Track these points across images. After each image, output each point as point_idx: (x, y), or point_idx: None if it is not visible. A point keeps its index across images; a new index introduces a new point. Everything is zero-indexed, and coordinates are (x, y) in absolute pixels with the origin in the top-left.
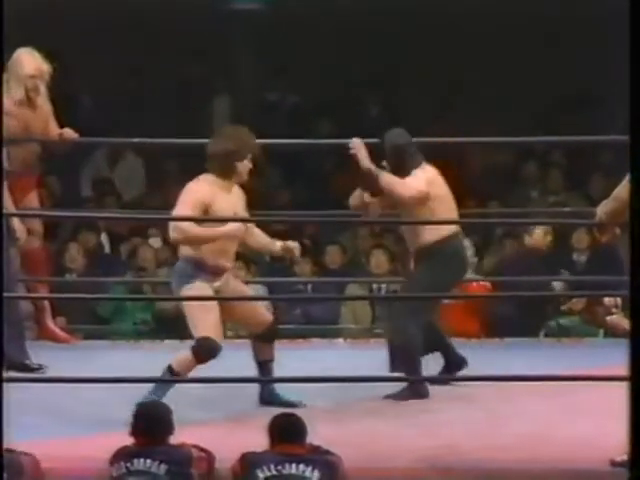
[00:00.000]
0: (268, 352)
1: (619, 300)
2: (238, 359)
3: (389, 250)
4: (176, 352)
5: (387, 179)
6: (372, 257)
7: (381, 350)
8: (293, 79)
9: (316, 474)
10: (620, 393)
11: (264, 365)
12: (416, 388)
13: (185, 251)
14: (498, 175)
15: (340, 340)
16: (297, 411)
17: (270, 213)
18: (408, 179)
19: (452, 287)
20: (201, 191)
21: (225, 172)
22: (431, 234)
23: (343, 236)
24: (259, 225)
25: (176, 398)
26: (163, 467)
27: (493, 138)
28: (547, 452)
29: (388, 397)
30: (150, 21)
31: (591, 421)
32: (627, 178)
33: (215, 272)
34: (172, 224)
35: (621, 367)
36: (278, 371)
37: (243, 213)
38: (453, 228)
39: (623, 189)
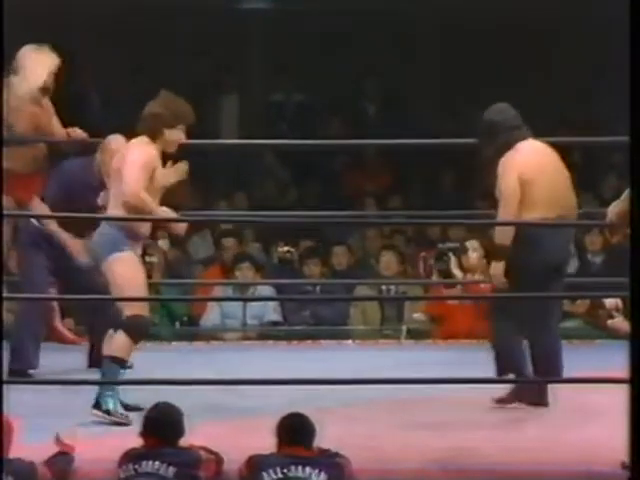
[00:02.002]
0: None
1: (620, 302)
2: (246, 360)
3: (399, 251)
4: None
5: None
6: (382, 258)
7: (390, 351)
8: (301, 78)
9: (322, 477)
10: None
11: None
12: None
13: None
14: None
15: (349, 341)
16: (306, 412)
17: (278, 214)
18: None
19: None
20: (150, 154)
21: (151, 135)
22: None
23: (351, 237)
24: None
25: (187, 400)
26: (171, 469)
27: None
28: (557, 455)
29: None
30: (159, 20)
31: (600, 423)
32: None
33: (139, 240)
34: (127, 186)
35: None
36: (288, 373)
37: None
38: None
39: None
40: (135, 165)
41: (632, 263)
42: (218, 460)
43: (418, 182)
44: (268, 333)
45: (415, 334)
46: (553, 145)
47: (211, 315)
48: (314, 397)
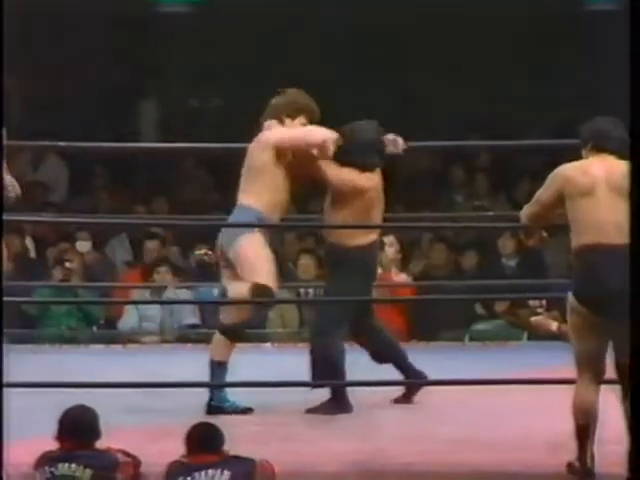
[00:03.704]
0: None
1: (544, 302)
2: (164, 363)
3: (317, 254)
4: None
5: None
6: (300, 261)
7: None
8: (220, 82)
9: (226, 474)
10: (547, 395)
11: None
12: (338, 402)
13: (247, 201)
14: (425, 179)
15: (268, 344)
16: (223, 416)
17: (199, 217)
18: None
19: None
20: None
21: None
22: None
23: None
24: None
25: (105, 403)
26: (88, 472)
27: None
28: (476, 455)
29: (310, 411)
30: (78, 23)
31: (519, 423)
32: (547, 182)
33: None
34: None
35: (546, 370)
36: (206, 376)
37: None
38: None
39: (544, 192)
40: None
41: (632, 263)
42: (135, 463)
43: None
44: (186, 336)
45: None
46: (462, 149)
47: (129, 318)
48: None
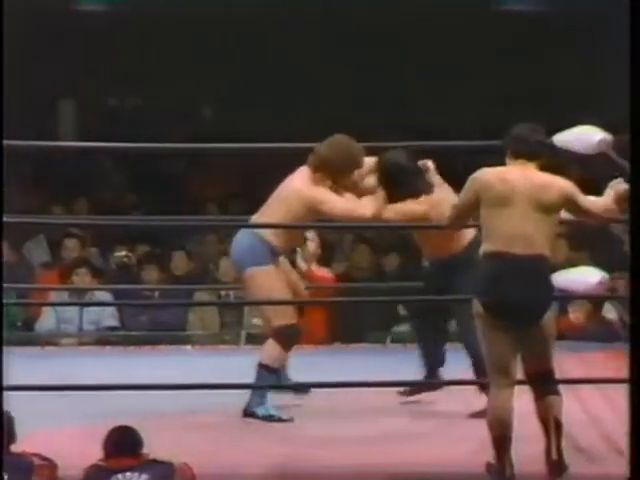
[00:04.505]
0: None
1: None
2: (82, 365)
3: None
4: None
5: None
6: (221, 263)
7: (230, 356)
8: (138, 81)
9: (144, 477)
10: (463, 397)
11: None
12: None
13: (265, 235)
14: None
15: (188, 347)
16: (145, 418)
17: (114, 218)
18: None
19: None
20: None
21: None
22: None
23: (190, 242)
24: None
25: (22, 406)
26: (3, 476)
27: None
28: (395, 456)
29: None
30: None
31: (435, 424)
32: (466, 186)
33: (278, 255)
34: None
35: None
36: (125, 378)
37: None
38: None
39: (462, 196)
40: None
41: (632, 264)
42: (51, 466)
43: (261, 186)
44: (105, 338)
45: (255, 339)
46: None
47: (46, 320)
48: (152, 403)
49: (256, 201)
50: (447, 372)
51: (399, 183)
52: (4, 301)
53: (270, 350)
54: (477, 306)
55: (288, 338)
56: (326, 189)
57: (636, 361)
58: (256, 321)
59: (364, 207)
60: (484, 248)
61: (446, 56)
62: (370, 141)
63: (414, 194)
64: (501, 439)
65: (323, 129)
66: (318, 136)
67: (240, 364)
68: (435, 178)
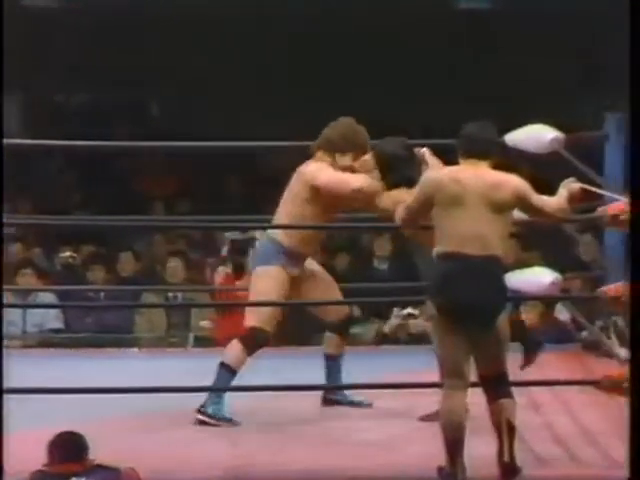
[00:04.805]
0: (337, 346)
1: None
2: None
3: (186, 257)
4: None
5: None
6: (168, 264)
7: (177, 359)
8: (86, 78)
9: None
10: (417, 399)
11: (330, 359)
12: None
13: (276, 235)
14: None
15: (135, 349)
16: (91, 423)
17: (59, 217)
18: None
19: None
20: None
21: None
22: None
23: (137, 243)
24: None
25: None
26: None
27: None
28: (341, 461)
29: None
30: None
31: (390, 428)
32: (418, 186)
33: (296, 258)
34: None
35: (424, 373)
36: (70, 381)
37: None
38: None
39: (415, 197)
40: None
41: (632, 264)
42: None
43: (206, 186)
44: (49, 341)
45: (202, 342)
46: None
47: None
48: (98, 407)
49: (203, 200)
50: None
51: (392, 171)
52: None
53: (234, 350)
54: (431, 308)
55: (253, 342)
56: (327, 165)
57: (636, 362)
58: (204, 323)
59: (359, 180)
60: (437, 249)
61: (406, 55)
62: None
63: (406, 183)
64: (454, 442)
65: (270, 126)
66: (266, 135)
67: (187, 367)
68: (434, 162)
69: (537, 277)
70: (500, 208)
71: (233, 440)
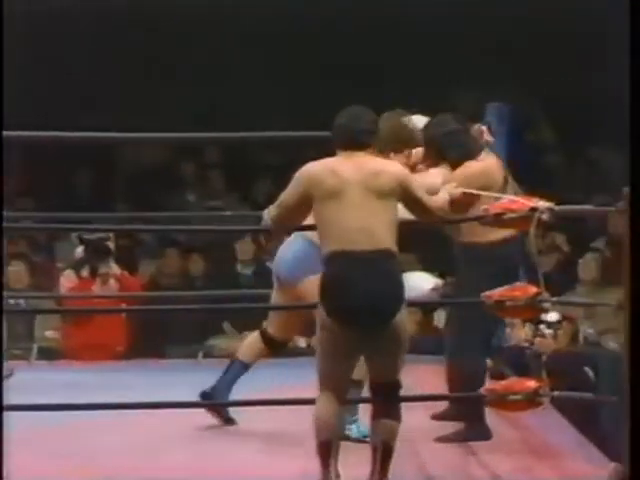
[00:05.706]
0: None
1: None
2: None
3: (29, 261)
4: None
5: None
6: (10, 267)
7: (18, 372)
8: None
9: None
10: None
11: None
12: (477, 429)
13: (313, 236)
14: (152, 176)
15: None
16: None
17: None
18: None
19: None
20: None
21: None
22: None
23: None
24: None
25: None
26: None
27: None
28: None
29: (440, 440)
30: None
31: (258, 446)
32: (292, 181)
33: None
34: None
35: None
36: None
37: None
38: None
39: (289, 192)
40: None
41: (632, 264)
42: None
43: (51, 182)
44: None
45: (47, 353)
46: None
47: None
48: None
49: (45, 198)
50: None
51: (449, 149)
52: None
53: (252, 345)
54: (321, 313)
55: (271, 349)
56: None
57: (636, 362)
58: (49, 333)
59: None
60: (323, 249)
61: None
62: None
63: (464, 157)
64: (325, 449)
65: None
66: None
67: (29, 381)
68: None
69: (417, 282)
70: (383, 195)
71: (94, 458)
